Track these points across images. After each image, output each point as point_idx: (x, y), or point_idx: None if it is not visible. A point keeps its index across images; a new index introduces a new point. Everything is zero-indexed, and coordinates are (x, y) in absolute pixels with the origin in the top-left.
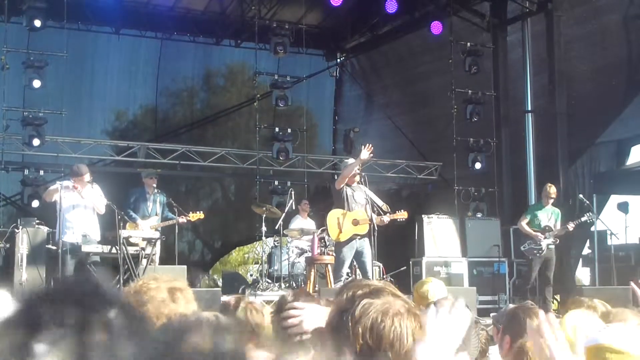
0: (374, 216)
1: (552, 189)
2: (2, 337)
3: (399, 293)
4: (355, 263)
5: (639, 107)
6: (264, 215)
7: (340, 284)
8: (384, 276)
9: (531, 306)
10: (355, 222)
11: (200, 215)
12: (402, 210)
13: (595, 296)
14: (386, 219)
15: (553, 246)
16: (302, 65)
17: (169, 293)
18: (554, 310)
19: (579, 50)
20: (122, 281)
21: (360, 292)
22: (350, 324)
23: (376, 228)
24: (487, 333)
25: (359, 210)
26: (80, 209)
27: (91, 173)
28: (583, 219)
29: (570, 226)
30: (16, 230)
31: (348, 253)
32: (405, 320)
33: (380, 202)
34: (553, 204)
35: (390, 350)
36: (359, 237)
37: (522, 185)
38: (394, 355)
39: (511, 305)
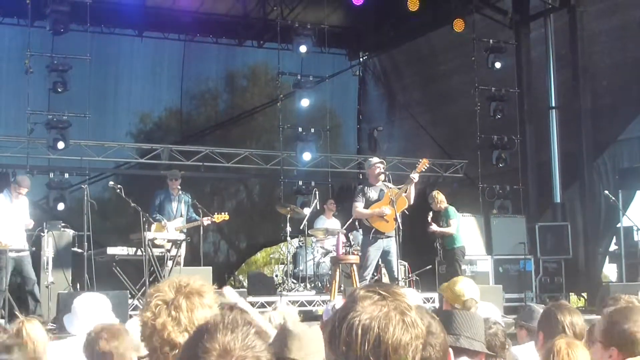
0: (410, 192)
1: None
2: None
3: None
4: (381, 262)
5: None
6: (289, 216)
7: (365, 283)
8: (409, 275)
9: (565, 304)
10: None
11: (225, 216)
12: (421, 160)
13: (622, 292)
14: (415, 176)
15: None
16: (325, 65)
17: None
18: (580, 307)
19: (600, 46)
20: (147, 283)
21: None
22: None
23: (401, 228)
24: (502, 326)
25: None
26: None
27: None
28: None
29: None
30: (42, 234)
31: (375, 253)
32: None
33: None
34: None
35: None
36: (384, 236)
37: (547, 182)
38: None
39: (532, 304)
